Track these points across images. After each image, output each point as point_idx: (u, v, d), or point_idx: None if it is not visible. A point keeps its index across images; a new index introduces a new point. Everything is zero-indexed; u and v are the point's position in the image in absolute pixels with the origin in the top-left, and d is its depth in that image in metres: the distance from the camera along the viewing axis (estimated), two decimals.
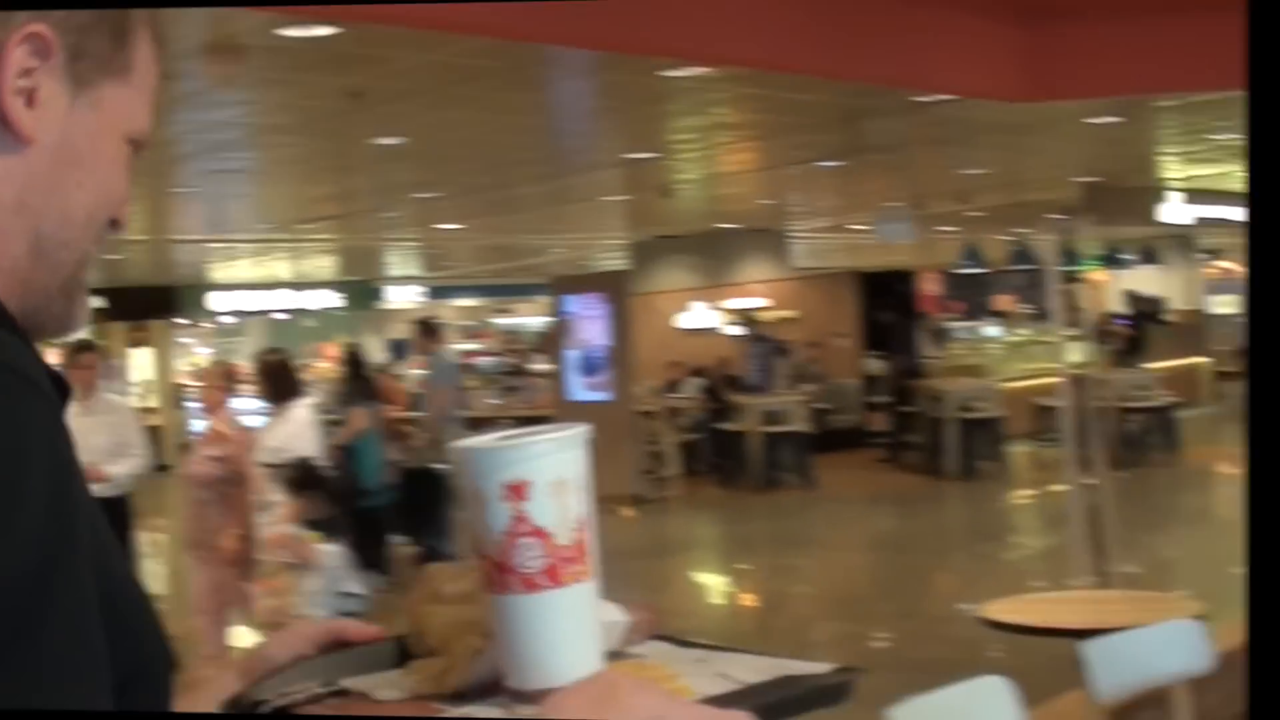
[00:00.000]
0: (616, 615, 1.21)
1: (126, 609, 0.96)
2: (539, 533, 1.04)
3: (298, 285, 23.76)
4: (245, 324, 24.27)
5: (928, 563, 10.83)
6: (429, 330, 10.84)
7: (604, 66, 8.23)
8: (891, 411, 16.34)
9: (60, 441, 0.89)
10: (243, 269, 21.60)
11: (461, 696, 1.14)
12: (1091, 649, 4.04)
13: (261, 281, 23.18)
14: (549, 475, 1.06)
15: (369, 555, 7.70)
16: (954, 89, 7.99)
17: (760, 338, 16.91)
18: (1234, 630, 5.80)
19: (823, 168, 13.00)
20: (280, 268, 21.94)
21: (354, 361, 10.77)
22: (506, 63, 7.90)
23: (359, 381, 10.49)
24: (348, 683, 1.19)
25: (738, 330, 18.09)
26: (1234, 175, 15.41)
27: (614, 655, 1.17)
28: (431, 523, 10.08)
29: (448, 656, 1.17)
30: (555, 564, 1.05)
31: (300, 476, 6.31)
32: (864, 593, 10.26)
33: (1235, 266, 22.86)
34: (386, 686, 1.18)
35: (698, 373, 16.94)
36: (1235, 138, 12.43)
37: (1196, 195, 16.91)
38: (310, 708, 1.14)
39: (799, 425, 14.96)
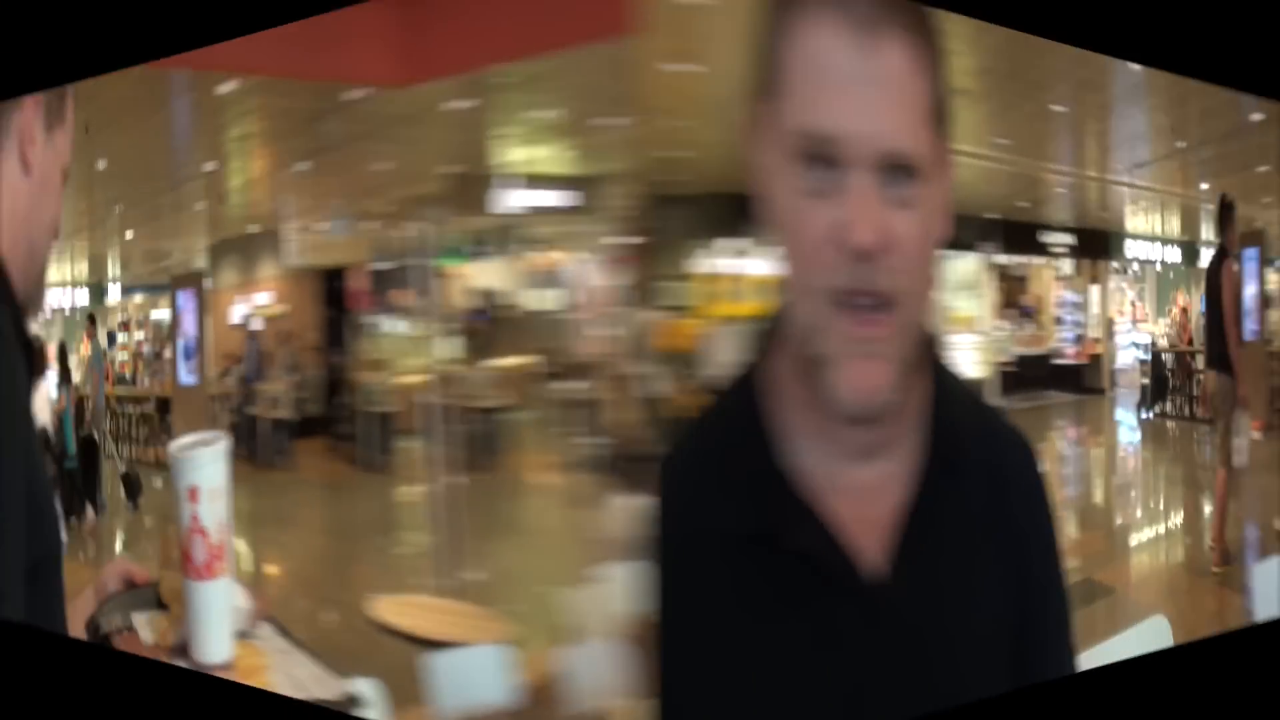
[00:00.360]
0: (244, 601, 1.41)
1: (44, 501, 1.19)
2: (203, 531, 1.25)
3: (70, 284, 24.95)
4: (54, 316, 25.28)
5: (335, 550, 11.18)
6: (91, 322, 13.94)
7: (190, 86, 9.52)
8: (330, 402, 17.34)
9: (21, 378, 1.19)
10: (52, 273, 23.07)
11: (177, 651, 1.34)
12: (428, 662, 3.78)
13: (58, 282, 23.82)
14: (210, 482, 1.26)
15: (68, 507, 10.07)
16: (347, 76, 7.73)
17: (251, 332, 18.08)
18: (542, 659, 4.48)
19: (299, 170, 14.14)
20: (65, 271, 22.76)
21: (61, 352, 13.33)
22: (144, 90, 9.26)
23: (63, 368, 12.89)
24: (134, 619, 1.40)
25: (247, 325, 19.30)
26: (556, 158, 15.34)
27: (243, 635, 1.38)
28: (91, 481, 12.22)
29: (171, 616, 1.38)
30: (211, 559, 1.26)
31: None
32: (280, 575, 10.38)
33: (560, 256, 22.70)
34: (147, 628, 1.39)
35: (240, 361, 18.09)
36: (553, 114, 12.43)
37: (531, 180, 16.80)
38: (115, 639, 1.39)
39: (285, 412, 16.20)
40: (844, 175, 1.07)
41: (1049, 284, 30.74)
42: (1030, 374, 26.45)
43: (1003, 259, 28.58)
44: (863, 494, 1.17)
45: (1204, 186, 19.51)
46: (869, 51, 1.04)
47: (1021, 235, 25.36)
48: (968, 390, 1.25)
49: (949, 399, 1.21)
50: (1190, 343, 21.96)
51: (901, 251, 1.07)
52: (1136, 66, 10.85)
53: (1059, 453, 17.47)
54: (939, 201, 1.11)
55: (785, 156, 1.09)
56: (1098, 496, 14.69)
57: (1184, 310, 24.34)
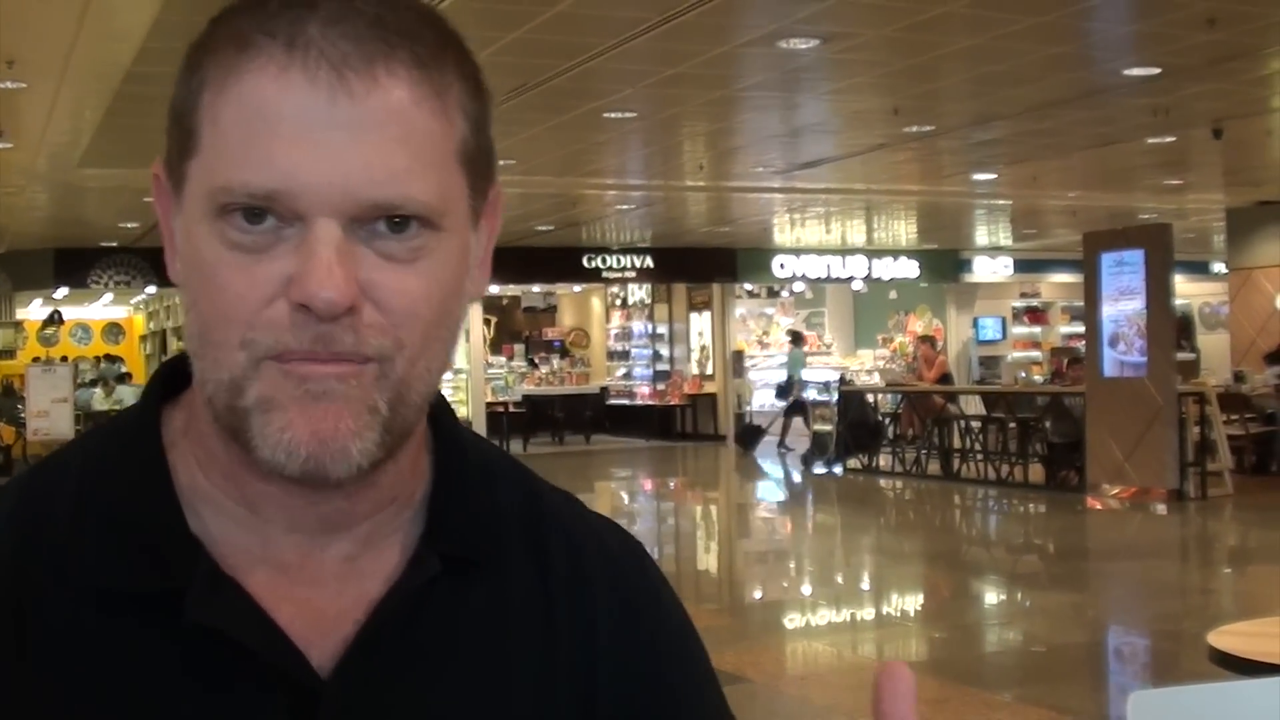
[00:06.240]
0: None
1: None
2: None
3: None
4: None
5: None
6: None
7: None
8: None
9: None
10: None
11: None
12: None
13: None
14: None
15: None
16: None
17: None
18: None
19: None
20: None
21: None
22: None
23: None
24: None
25: None
26: None
27: None
28: None
29: None
30: None
31: None
32: None
33: None
34: None
35: None
36: None
37: None
38: None
39: None
40: (302, 229, 0.91)
41: (594, 314, 27.74)
42: (548, 415, 23.78)
43: (506, 289, 25.64)
44: (313, 577, 0.99)
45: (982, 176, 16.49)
46: (341, 95, 0.90)
47: (545, 261, 22.00)
48: (503, 474, 1.08)
49: (456, 480, 1.05)
50: (941, 379, 18.88)
51: (391, 308, 0.92)
52: None
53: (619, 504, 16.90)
54: (461, 253, 0.97)
55: (211, 213, 0.92)
56: (709, 563, 13.55)
57: (925, 340, 21.02)
